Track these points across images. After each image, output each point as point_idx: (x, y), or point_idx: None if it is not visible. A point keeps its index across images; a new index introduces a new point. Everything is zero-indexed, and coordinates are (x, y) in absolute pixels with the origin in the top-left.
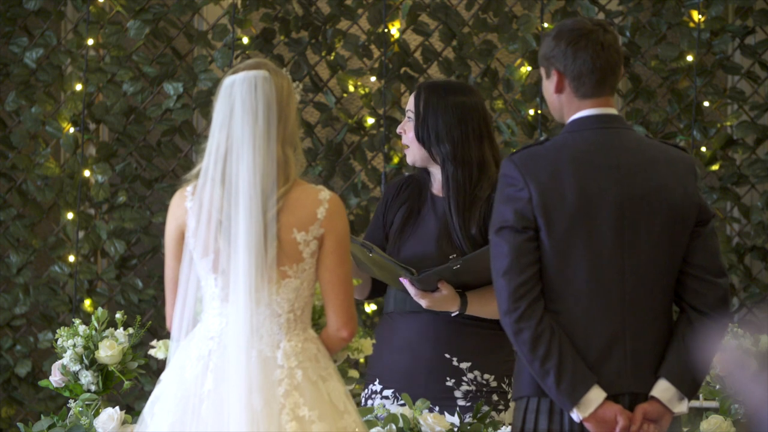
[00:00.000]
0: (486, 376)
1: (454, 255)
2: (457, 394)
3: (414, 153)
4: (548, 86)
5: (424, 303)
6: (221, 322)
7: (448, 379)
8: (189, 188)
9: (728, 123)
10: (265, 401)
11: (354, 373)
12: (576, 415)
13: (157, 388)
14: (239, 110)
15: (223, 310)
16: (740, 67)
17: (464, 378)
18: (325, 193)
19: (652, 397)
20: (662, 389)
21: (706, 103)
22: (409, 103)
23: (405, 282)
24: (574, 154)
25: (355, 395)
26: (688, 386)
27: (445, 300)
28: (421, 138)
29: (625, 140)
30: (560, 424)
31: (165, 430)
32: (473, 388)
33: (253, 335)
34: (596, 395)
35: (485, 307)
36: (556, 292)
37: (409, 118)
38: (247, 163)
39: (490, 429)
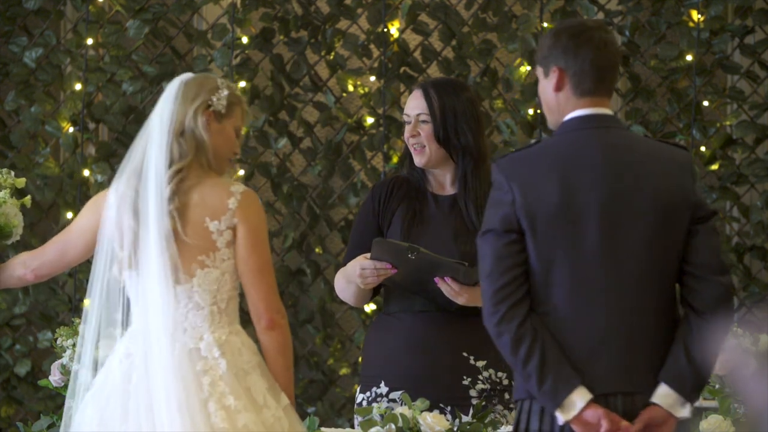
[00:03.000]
0: (500, 374)
1: None
2: (472, 393)
3: (431, 154)
4: (546, 86)
5: (462, 299)
6: (139, 320)
7: (464, 377)
8: (114, 185)
9: (728, 122)
10: (191, 392)
11: (346, 370)
12: (560, 418)
13: (91, 390)
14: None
15: (137, 306)
16: (740, 67)
17: (480, 377)
18: (238, 187)
19: (653, 403)
20: (663, 395)
21: (705, 103)
22: (418, 106)
23: (447, 280)
24: (560, 155)
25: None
26: (690, 390)
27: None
28: (442, 138)
29: (615, 138)
30: (550, 425)
31: (94, 428)
32: (488, 386)
33: (177, 328)
34: (580, 397)
35: None
36: (544, 294)
37: (422, 121)
38: (156, 158)
39: (489, 429)
